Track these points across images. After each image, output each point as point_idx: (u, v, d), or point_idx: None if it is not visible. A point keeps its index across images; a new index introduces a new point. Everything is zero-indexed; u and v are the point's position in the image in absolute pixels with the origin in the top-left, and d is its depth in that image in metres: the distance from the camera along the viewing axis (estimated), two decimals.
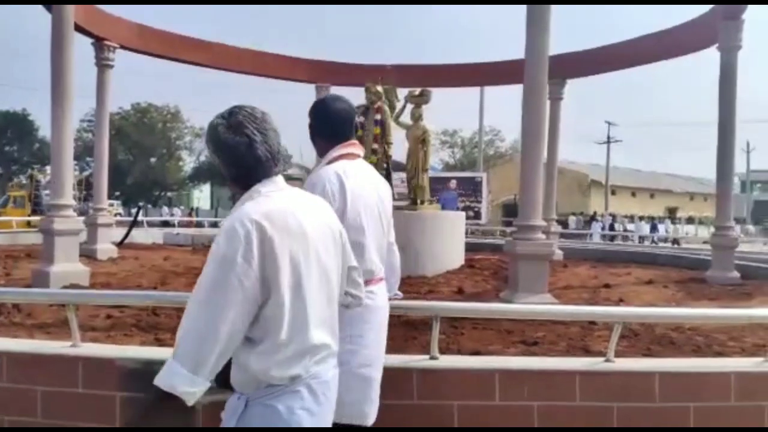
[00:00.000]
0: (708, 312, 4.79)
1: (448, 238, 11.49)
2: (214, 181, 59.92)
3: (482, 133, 35.09)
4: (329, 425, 2.10)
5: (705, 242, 23.42)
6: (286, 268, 1.94)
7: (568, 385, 3.42)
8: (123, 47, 13.65)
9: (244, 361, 1.97)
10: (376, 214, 2.88)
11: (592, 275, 11.45)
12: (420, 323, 6.16)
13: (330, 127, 2.88)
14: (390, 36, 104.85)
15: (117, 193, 48.89)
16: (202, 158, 60.28)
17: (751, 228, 45.32)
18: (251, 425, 1.96)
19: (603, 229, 32.86)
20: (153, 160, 56.21)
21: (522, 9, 7.62)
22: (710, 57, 11.31)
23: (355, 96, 13.00)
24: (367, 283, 2.67)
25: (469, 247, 13.49)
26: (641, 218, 39.63)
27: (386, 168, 11.96)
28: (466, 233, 16.20)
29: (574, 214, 39.23)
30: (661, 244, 26.69)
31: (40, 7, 10.65)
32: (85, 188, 28.28)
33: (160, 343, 5.24)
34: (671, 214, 50.81)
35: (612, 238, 29.38)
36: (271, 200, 2.07)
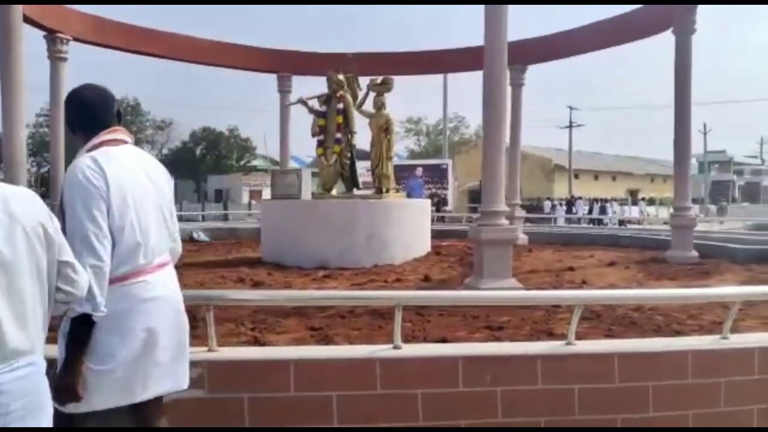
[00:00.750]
0: (665, 293, 4.89)
1: (414, 226, 11.53)
2: (178, 175, 59.09)
3: (446, 120, 35.20)
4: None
5: (665, 223, 23.92)
6: None
7: (530, 369, 3.46)
8: (77, 39, 13.31)
9: None
10: (148, 199, 2.70)
11: (556, 259, 11.61)
12: (387, 312, 6.16)
13: (87, 117, 2.72)
14: (352, 24, 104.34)
15: None
16: (165, 151, 59.41)
17: (711, 207, 46.39)
18: None
19: (590, 212, 33.25)
20: None
21: None
22: (668, 40, 11.51)
23: (317, 85, 12.97)
24: (139, 273, 2.57)
25: (436, 234, 13.56)
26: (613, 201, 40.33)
27: (350, 157, 11.95)
28: (433, 220, 16.28)
29: (549, 198, 39.57)
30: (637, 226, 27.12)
31: None
32: (41, 185, 27.61)
33: None
34: (632, 195, 51.70)
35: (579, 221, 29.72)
36: None
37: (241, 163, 58.70)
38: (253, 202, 41.30)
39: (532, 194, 41.30)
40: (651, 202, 41.90)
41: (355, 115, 11.87)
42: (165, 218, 2.83)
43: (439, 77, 28.77)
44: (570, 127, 51.33)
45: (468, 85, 31.04)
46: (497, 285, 7.02)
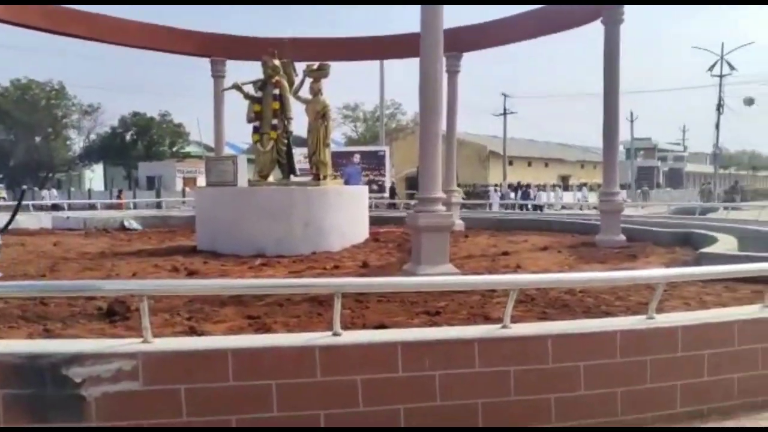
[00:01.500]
0: (594, 275, 5.07)
1: (352, 213, 11.55)
2: (108, 161, 57.12)
3: (383, 106, 35.20)
4: None
5: (595, 207, 24.73)
6: None
7: (468, 353, 3.52)
8: None
9: None
10: None
11: (492, 244, 11.85)
12: (326, 299, 6.15)
13: None
14: (288, 9, 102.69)
15: None
16: (93, 137, 57.26)
17: (640, 191, 48.30)
18: None
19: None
20: (38, 139, 52.75)
21: None
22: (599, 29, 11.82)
23: (252, 70, 12.73)
24: None
25: (374, 221, 13.62)
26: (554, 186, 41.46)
27: (287, 143, 11.82)
28: (371, 207, 16.33)
29: (496, 186, 40.18)
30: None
31: None
32: None
33: (48, 334, 4.97)
34: (564, 181, 53.22)
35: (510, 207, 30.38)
36: None
37: (174, 149, 57.23)
38: (187, 189, 40.35)
39: (468, 181, 41.93)
40: (582, 187, 43.16)
41: (292, 100, 11.74)
42: None
43: (376, 63, 28.71)
44: (504, 114, 52.25)
45: (405, 72, 31.18)
46: (435, 271, 7.12)
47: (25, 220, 16.13)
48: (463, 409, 3.51)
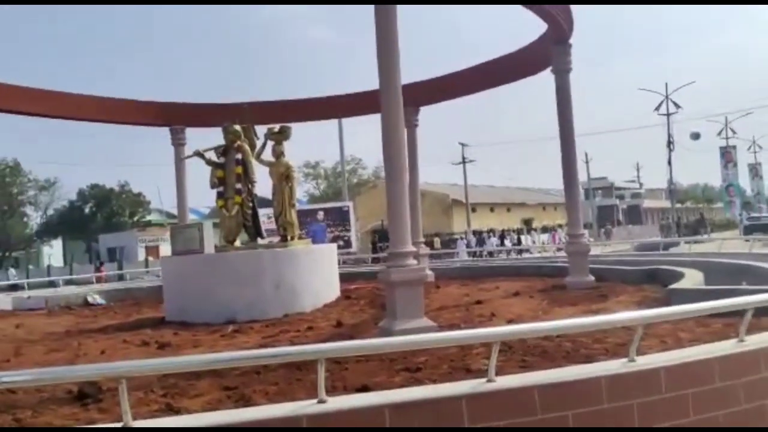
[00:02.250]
0: (576, 322, 5.11)
1: (322, 272, 11.48)
2: (66, 236, 55.96)
3: (344, 162, 35.52)
4: None
5: (559, 249, 25.09)
6: None
7: (456, 409, 3.48)
8: None
9: None
10: None
11: (464, 293, 11.85)
12: (302, 363, 6.03)
13: None
14: (245, 74, 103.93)
15: None
16: (51, 212, 56.20)
17: (603, 230, 49.20)
18: None
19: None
20: None
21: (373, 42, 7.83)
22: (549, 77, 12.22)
23: (213, 137, 12.77)
24: None
25: (344, 277, 13.53)
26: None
27: (252, 207, 11.79)
28: (339, 263, 16.26)
29: (464, 234, 40.55)
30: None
31: None
32: None
33: (19, 423, 4.76)
34: (527, 225, 53.91)
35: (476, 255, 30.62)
36: None
37: (135, 219, 56.42)
38: (150, 258, 39.64)
39: (432, 230, 42.16)
40: (545, 229, 43.79)
41: (255, 164, 11.77)
42: None
43: (334, 121, 29.08)
44: (463, 162, 53.10)
45: (363, 128, 31.65)
46: (411, 325, 7.07)
47: None
48: None
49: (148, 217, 57.30)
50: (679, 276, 9.68)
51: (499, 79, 14.40)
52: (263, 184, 12.28)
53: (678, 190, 62.40)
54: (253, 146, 11.94)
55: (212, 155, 11.78)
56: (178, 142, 16.29)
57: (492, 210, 59.10)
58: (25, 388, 5.81)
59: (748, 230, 36.88)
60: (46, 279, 29.66)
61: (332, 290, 11.74)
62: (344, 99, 16.82)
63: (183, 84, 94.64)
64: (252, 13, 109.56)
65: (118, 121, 16.49)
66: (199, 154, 11.90)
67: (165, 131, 16.46)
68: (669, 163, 46.31)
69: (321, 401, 3.44)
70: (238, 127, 11.67)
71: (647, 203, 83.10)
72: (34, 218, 57.09)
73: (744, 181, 55.43)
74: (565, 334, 6.44)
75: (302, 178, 55.66)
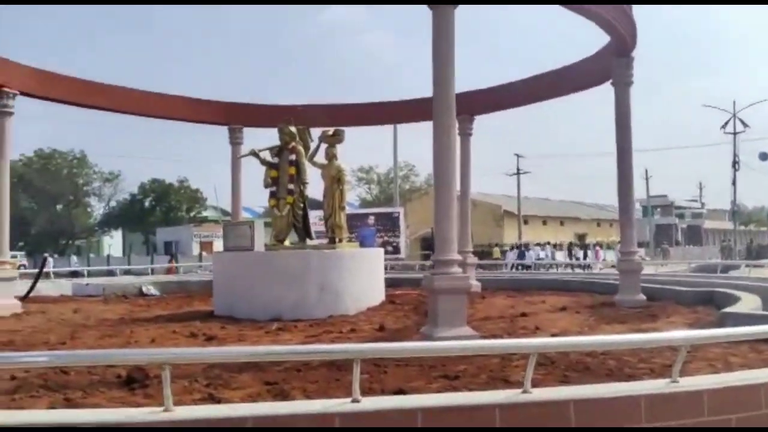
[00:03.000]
0: (617, 339, 5.02)
1: (368, 276, 11.55)
2: (126, 227, 57.88)
3: (397, 168, 35.65)
4: None
5: (612, 266, 24.53)
6: None
7: (489, 418, 3.47)
8: (23, 93, 13.10)
9: None
10: None
11: (509, 305, 11.74)
12: (343, 364, 6.11)
13: None
14: (302, 77, 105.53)
15: (20, 244, 46.32)
16: (113, 203, 58.23)
17: (660, 249, 47.84)
18: None
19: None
20: (59, 207, 53.74)
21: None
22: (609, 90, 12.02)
23: (268, 137, 13.03)
24: None
25: (390, 283, 13.59)
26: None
27: (303, 207, 11.97)
28: (386, 268, 16.33)
29: (518, 246, 39.97)
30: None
31: None
32: None
33: (70, 403, 4.96)
34: (580, 240, 52.92)
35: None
36: None
37: (192, 214, 57.93)
38: (204, 253, 40.56)
39: (483, 240, 41.85)
40: (599, 245, 42.79)
41: (308, 165, 11.95)
42: None
43: (389, 127, 29.25)
44: (518, 174, 52.58)
45: (418, 134, 31.72)
46: (452, 333, 7.06)
47: (47, 288, 16.29)
48: None
49: (204, 213, 58.73)
50: (735, 300, 9.36)
51: (558, 90, 14.23)
52: (315, 186, 12.48)
53: (742, 211, 60.18)
54: (307, 148, 12.13)
55: (267, 155, 12.02)
56: (235, 141, 16.67)
57: (544, 223, 58.26)
58: (78, 369, 6.10)
59: None
60: (105, 268, 30.78)
61: (377, 294, 11.80)
62: (399, 105, 16.90)
63: (241, 85, 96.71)
64: (311, 17, 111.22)
65: (181, 119, 16.96)
66: (254, 154, 12.16)
67: (223, 130, 16.88)
68: (733, 183, 44.84)
69: (355, 400, 3.49)
70: (293, 129, 11.88)
71: (708, 224, 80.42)
72: (98, 209, 59.31)
73: None
74: (610, 352, 6.33)
75: (355, 182, 56.05)
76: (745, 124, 45.09)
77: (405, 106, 16.70)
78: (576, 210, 66.45)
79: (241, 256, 11.48)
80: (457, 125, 8.99)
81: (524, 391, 3.70)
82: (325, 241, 12.18)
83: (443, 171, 7.72)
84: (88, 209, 58.21)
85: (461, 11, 7.94)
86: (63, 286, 17.49)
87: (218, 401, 4.79)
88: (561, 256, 36.51)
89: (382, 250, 13.92)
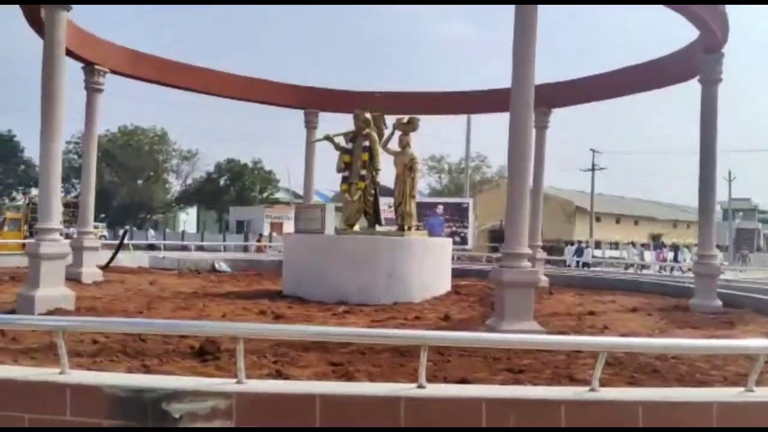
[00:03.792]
0: (689, 342, 4.88)
1: (435, 265, 11.57)
2: (201, 205, 59.80)
3: (469, 159, 35.38)
4: None
5: (688, 269, 23.68)
6: None
7: (554, 413, 3.46)
8: (113, 72, 13.72)
9: None
10: None
11: (577, 303, 11.55)
12: (407, 350, 6.20)
13: None
14: (379, 64, 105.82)
15: (102, 215, 48.58)
16: (189, 181, 60.22)
17: (740, 255, 45.82)
18: None
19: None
20: (139, 182, 56.05)
21: (508, 40, 7.79)
22: (690, 87, 11.58)
23: (344, 122, 13.19)
24: None
25: (456, 273, 13.56)
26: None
27: (374, 194, 12.08)
28: (453, 259, 16.30)
29: (572, 242, 39.16)
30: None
31: (33, 31, 10.80)
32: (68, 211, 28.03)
33: (146, 369, 5.23)
34: (655, 240, 51.22)
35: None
36: None
37: (264, 195, 59.28)
38: (274, 234, 41.47)
39: (553, 236, 41.08)
40: (675, 247, 41.29)
41: (381, 152, 12.04)
42: None
43: (463, 117, 29.05)
44: (593, 170, 51.23)
45: (491, 126, 31.40)
46: (518, 327, 7.02)
47: (126, 259, 17.08)
48: None
49: (276, 195, 59.95)
50: None
51: (640, 85, 13.78)
52: (386, 173, 12.56)
53: None
54: (381, 135, 12.22)
55: (341, 141, 12.18)
56: (310, 125, 16.94)
57: (618, 221, 56.63)
58: (154, 338, 6.42)
59: None
60: (180, 243, 31.96)
61: (443, 284, 11.82)
62: (475, 95, 16.76)
63: (319, 69, 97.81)
64: (391, 6, 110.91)
65: (260, 101, 17.34)
66: (329, 139, 12.34)
67: (298, 113, 17.18)
68: None
69: (420, 386, 3.54)
70: (368, 115, 11.98)
71: None
72: (175, 186, 61.43)
73: None
74: (681, 357, 6.17)
75: (426, 170, 56.05)
76: None
77: (479, 96, 16.55)
78: (652, 209, 64.24)
79: (311, 239, 11.71)
80: (533, 117, 8.87)
81: (591, 389, 3.66)
82: (393, 228, 12.26)
83: (517, 164, 7.64)
84: (167, 185, 60.36)
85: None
86: (140, 258, 18.30)
87: (286, 377, 4.95)
88: (649, 257, 34.80)
89: (450, 240, 13.91)
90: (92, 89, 13.29)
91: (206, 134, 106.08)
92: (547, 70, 11.41)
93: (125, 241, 19.54)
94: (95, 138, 13.90)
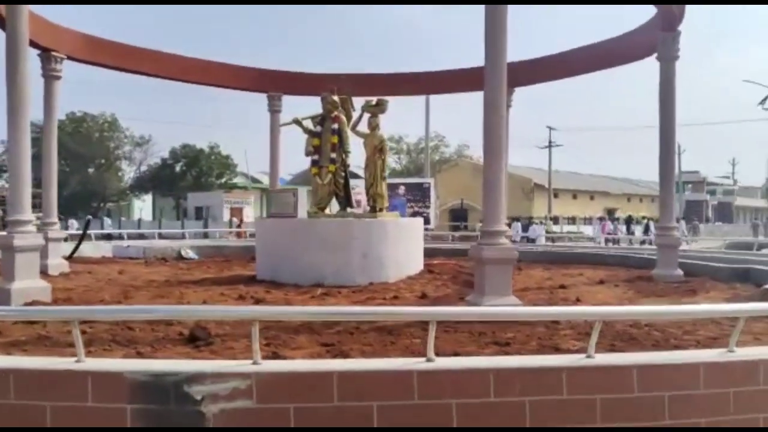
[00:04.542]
0: (684, 308, 5.32)
1: (408, 245, 11.74)
2: (157, 191, 58.72)
3: (428, 139, 35.61)
4: None
5: (642, 242, 24.48)
6: None
7: (556, 381, 3.67)
8: (70, 58, 13.40)
9: None
10: None
11: (547, 277, 11.90)
12: (393, 328, 6.37)
13: None
14: (341, 44, 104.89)
15: None
16: (144, 168, 59.04)
17: (701, 226, 47.44)
18: None
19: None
20: (91, 170, 54.69)
21: (475, 18, 7.93)
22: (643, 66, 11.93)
23: (310, 105, 13.18)
24: None
25: (425, 253, 13.77)
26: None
27: (344, 177, 12.14)
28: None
29: (532, 219, 39.87)
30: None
31: None
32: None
33: (142, 357, 5.26)
34: (610, 214, 52.61)
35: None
36: None
37: (222, 180, 58.57)
38: (234, 219, 41.14)
39: (513, 213, 41.79)
40: (629, 220, 42.49)
41: (350, 135, 12.09)
42: None
43: (420, 97, 29.17)
44: (549, 147, 52.18)
45: (448, 105, 31.62)
46: (500, 302, 7.25)
47: (89, 249, 16.77)
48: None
49: (234, 180, 59.30)
50: None
51: (600, 63, 14.14)
52: (355, 156, 12.60)
53: None
54: (349, 117, 12.25)
55: (309, 124, 12.17)
56: (274, 109, 16.85)
57: (575, 197, 57.94)
58: (142, 326, 6.42)
59: None
60: (136, 231, 31.49)
61: (416, 263, 12.02)
62: (432, 75, 16.93)
63: (281, 52, 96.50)
64: None
65: (219, 85, 17.15)
66: (297, 122, 12.31)
67: (257, 96, 17.04)
68: None
69: (429, 360, 3.70)
70: (336, 98, 12.00)
71: (740, 201, 79.26)
72: (128, 173, 60.17)
73: None
74: (654, 323, 6.48)
75: None
76: None
77: (438, 76, 16.74)
78: (606, 184, 65.89)
79: (285, 223, 11.74)
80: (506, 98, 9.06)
81: (588, 356, 3.88)
82: (364, 210, 12.37)
83: (493, 143, 7.83)
84: (119, 173, 59.08)
85: None
86: (104, 248, 17.99)
87: (284, 359, 5.04)
88: (639, 232, 34.07)
89: (421, 220, 14.10)
90: (50, 76, 12.97)
91: (159, 120, 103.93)
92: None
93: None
94: (55, 126, 13.56)
